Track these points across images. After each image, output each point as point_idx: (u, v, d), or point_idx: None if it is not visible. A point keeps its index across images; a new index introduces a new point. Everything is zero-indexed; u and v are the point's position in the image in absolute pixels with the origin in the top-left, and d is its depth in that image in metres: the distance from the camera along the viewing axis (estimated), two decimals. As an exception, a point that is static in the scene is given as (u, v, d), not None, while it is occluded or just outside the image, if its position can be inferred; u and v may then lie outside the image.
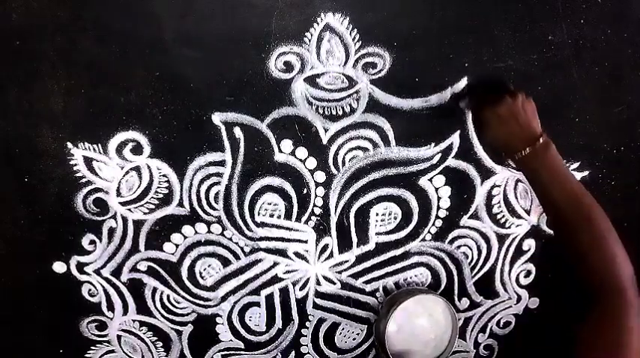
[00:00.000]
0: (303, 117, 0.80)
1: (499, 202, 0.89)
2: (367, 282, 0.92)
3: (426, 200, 0.87)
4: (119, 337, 0.92)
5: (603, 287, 0.67)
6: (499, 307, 0.97)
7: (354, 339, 0.97)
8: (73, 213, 0.82)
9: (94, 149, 0.79)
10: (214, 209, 0.84)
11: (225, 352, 0.95)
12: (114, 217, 0.83)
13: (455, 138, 0.84)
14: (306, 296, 0.92)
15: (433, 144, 0.84)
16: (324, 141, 0.82)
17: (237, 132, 0.80)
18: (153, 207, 0.83)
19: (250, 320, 0.93)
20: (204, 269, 0.88)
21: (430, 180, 0.86)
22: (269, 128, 0.80)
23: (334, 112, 0.80)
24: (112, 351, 0.93)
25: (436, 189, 0.87)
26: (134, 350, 0.93)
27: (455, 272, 0.93)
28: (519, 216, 0.91)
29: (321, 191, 0.85)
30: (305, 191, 0.85)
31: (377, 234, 0.89)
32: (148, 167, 0.81)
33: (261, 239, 0.87)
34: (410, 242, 0.90)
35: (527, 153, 0.72)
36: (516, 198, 0.90)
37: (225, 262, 0.88)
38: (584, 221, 0.69)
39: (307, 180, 0.84)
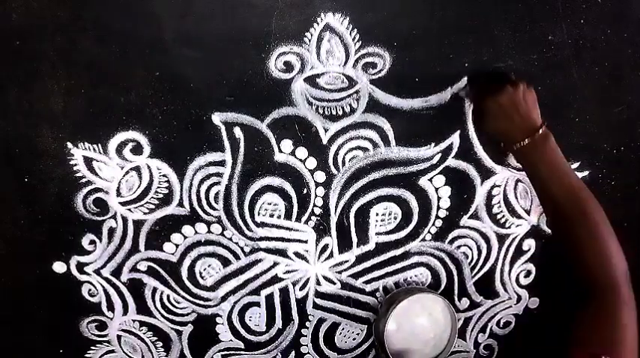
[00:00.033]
0: (303, 117, 0.80)
1: (499, 202, 0.89)
2: (367, 282, 0.92)
3: (426, 200, 0.87)
4: (119, 337, 0.92)
5: (597, 284, 0.67)
6: (499, 307, 0.97)
7: (354, 339, 0.97)
8: (73, 213, 0.82)
9: (94, 149, 0.79)
10: (214, 209, 0.84)
11: (225, 352, 0.95)
12: (114, 217, 0.83)
13: (455, 138, 0.84)
14: (306, 296, 0.92)
15: (433, 144, 0.84)
16: (324, 141, 0.82)
17: (237, 132, 0.80)
18: (153, 207, 0.83)
19: (250, 320, 0.93)
20: (204, 270, 0.88)
21: (430, 180, 0.86)
22: (269, 128, 0.80)
23: (334, 112, 0.80)
24: (112, 351, 0.93)
25: (436, 189, 0.87)
26: (134, 350, 0.93)
27: (455, 273, 0.93)
28: (519, 216, 0.91)
29: (321, 191, 0.85)
30: (305, 191, 0.85)
31: (377, 234, 0.89)
32: (148, 167, 0.81)
33: (261, 239, 0.87)
34: (410, 242, 0.90)
35: (525, 143, 0.72)
36: (516, 198, 0.90)
37: (225, 262, 0.88)
38: (581, 216, 0.70)
39: (307, 180, 0.84)
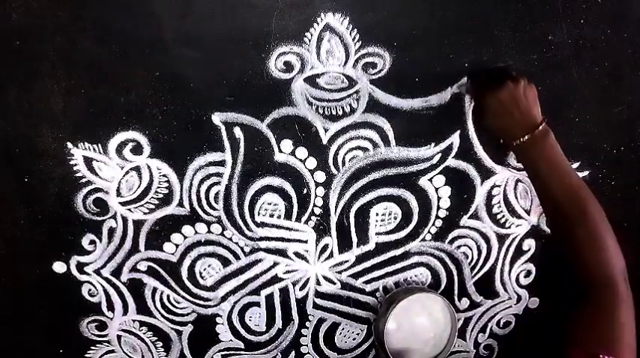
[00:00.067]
0: (303, 117, 0.80)
1: (499, 202, 0.89)
2: (367, 282, 0.92)
3: (426, 200, 0.87)
4: (119, 337, 0.92)
5: (595, 282, 0.67)
6: (499, 307, 0.97)
7: (354, 339, 0.97)
8: (73, 213, 0.82)
9: (94, 149, 0.79)
10: (214, 209, 0.84)
11: (225, 352, 0.95)
12: (114, 217, 0.83)
13: (455, 138, 0.84)
14: (306, 296, 0.92)
15: (433, 144, 0.84)
16: (324, 141, 0.82)
17: (237, 132, 0.80)
18: (153, 207, 0.83)
19: (250, 320, 0.93)
20: (204, 269, 0.88)
21: (430, 180, 0.86)
22: (269, 128, 0.80)
23: (334, 112, 0.80)
24: (112, 351, 0.93)
25: (436, 189, 0.87)
26: (134, 350, 0.93)
27: (455, 273, 0.93)
28: (519, 216, 0.91)
29: (321, 191, 0.85)
30: (305, 191, 0.85)
31: (377, 234, 0.89)
32: (148, 167, 0.81)
33: (261, 239, 0.87)
34: (410, 242, 0.90)
35: (525, 139, 0.72)
36: (516, 198, 0.90)
37: (225, 262, 0.88)
38: (580, 214, 0.69)
39: (307, 180, 0.84)
